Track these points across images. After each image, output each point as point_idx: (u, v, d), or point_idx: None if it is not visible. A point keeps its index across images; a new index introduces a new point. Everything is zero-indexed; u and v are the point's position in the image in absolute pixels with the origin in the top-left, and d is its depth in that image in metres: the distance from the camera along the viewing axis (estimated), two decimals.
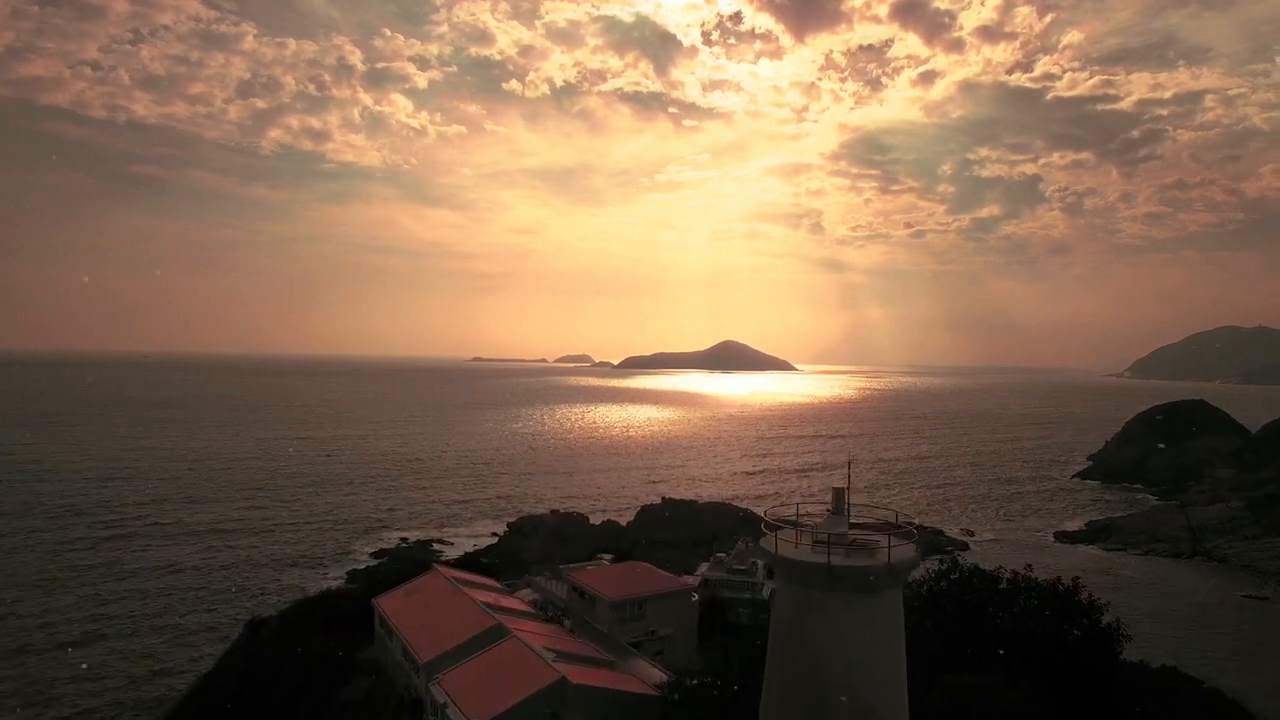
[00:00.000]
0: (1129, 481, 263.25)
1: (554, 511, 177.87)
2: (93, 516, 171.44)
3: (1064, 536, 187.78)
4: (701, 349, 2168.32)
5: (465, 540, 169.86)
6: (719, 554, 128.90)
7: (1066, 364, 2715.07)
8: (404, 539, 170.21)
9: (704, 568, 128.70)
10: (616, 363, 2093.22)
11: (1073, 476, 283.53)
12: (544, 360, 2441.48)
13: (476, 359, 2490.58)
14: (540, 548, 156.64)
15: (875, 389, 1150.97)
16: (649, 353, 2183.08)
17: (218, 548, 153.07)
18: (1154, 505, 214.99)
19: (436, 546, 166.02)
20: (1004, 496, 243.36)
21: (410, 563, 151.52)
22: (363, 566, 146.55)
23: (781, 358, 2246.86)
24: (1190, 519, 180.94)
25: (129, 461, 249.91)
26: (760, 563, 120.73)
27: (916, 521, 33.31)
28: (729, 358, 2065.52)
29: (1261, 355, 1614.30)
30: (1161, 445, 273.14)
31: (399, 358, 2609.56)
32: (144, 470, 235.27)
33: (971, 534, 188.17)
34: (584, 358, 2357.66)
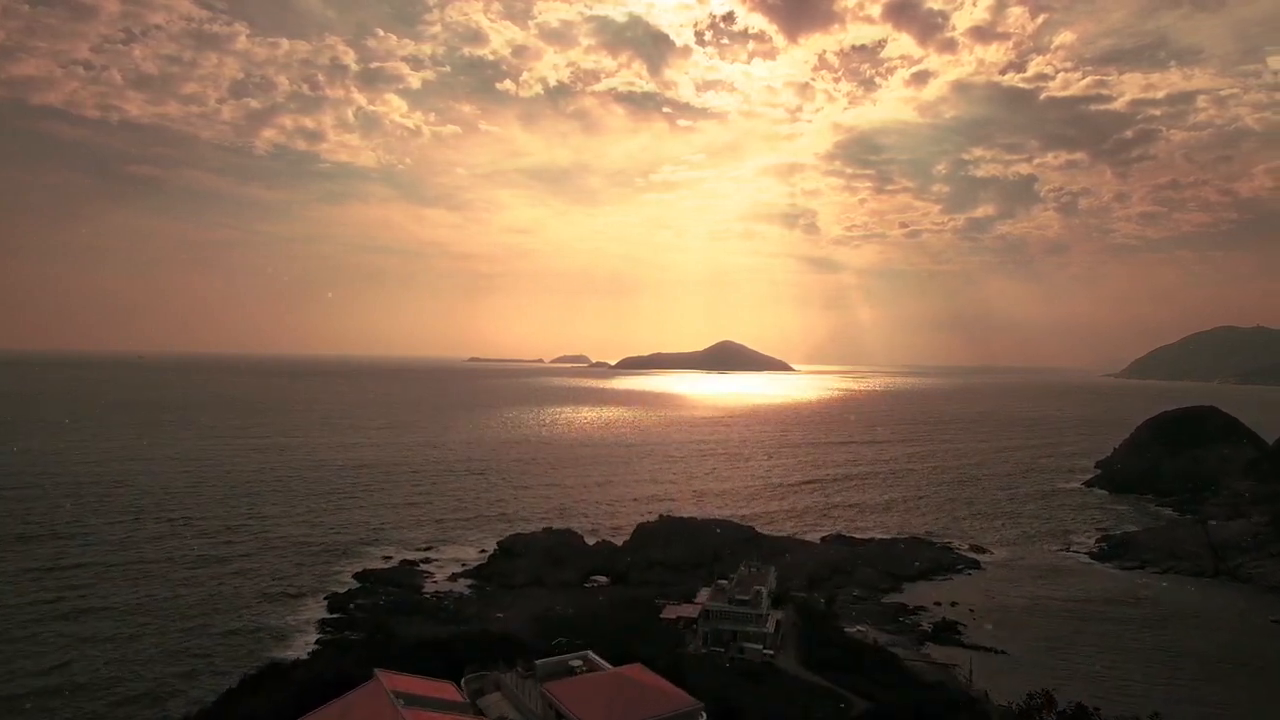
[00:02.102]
0: (1139, 491, 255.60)
1: (547, 529, 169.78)
2: (64, 541, 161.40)
3: (1079, 553, 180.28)
4: (699, 349, 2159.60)
5: (453, 561, 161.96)
6: (720, 580, 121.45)
7: (1063, 364, 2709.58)
8: (388, 558, 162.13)
9: (705, 594, 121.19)
10: (614, 363, 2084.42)
11: (1081, 485, 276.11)
12: (541, 360, 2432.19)
13: (474, 359, 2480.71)
14: (531, 569, 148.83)
15: (873, 390, 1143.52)
16: (646, 353, 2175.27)
17: (195, 577, 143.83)
18: (1171, 519, 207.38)
19: (423, 567, 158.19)
20: (1011, 507, 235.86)
21: (391, 584, 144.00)
22: (344, 591, 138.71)
23: (779, 358, 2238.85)
24: (1211, 535, 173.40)
25: (110, 472, 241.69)
26: (764, 591, 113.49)
27: None
28: (726, 358, 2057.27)
29: (1259, 355, 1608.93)
30: (1172, 453, 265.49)
31: (397, 358, 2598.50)
32: (124, 482, 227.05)
33: (982, 550, 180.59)
34: (581, 358, 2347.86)
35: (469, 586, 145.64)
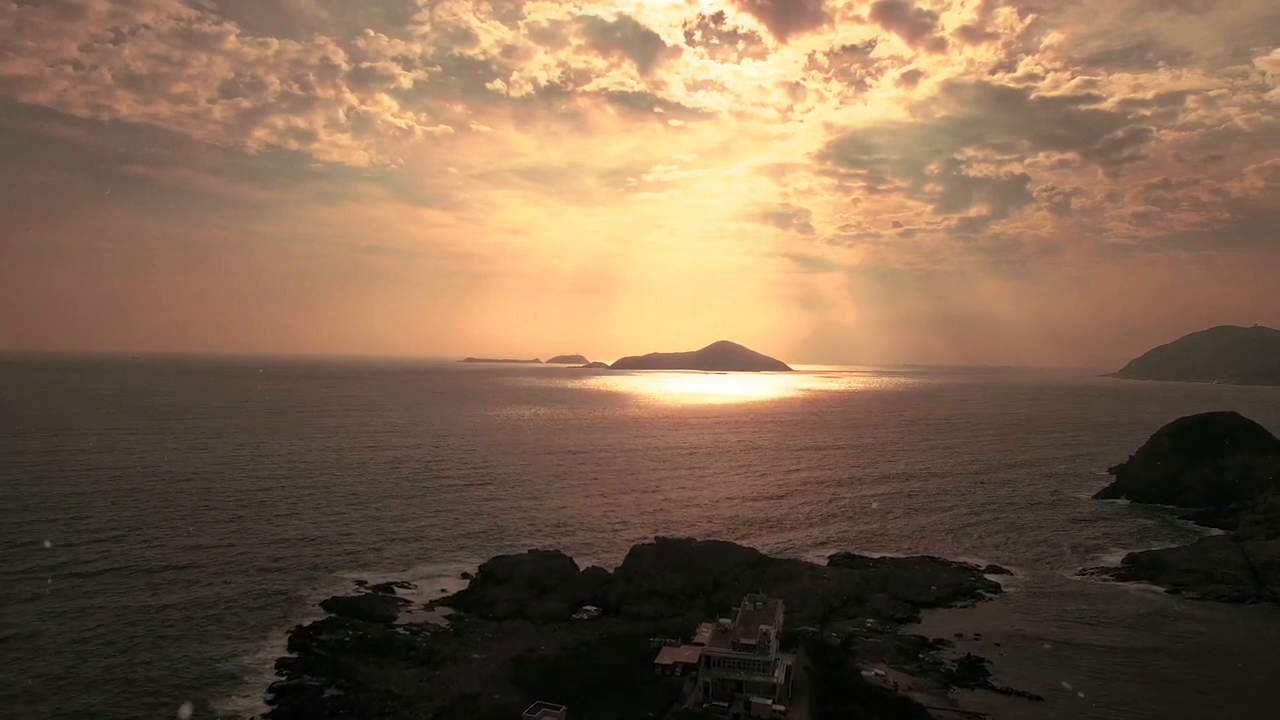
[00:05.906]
0: (1161, 502, 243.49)
1: (533, 551, 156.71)
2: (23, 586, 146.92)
3: (1105, 573, 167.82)
4: (695, 349, 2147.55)
5: (431, 585, 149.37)
6: (722, 619, 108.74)
7: (1059, 364, 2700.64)
8: (362, 582, 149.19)
9: (705, 631, 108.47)
10: (610, 363, 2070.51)
11: (1097, 495, 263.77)
12: (537, 360, 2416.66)
13: (469, 359, 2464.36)
14: (515, 598, 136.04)
15: (872, 391, 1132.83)
16: (642, 353, 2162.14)
17: (147, 606, 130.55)
18: (1203, 537, 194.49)
19: (399, 591, 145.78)
20: (1027, 520, 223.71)
21: (362, 615, 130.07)
22: (309, 624, 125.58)
23: (775, 358, 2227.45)
24: (1249, 555, 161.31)
25: (86, 484, 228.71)
26: (772, 632, 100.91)
27: None
28: (723, 358, 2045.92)
29: (1258, 355, 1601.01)
30: (1194, 462, 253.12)
31: (392, 358, 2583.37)
32: (97, 492, 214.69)
33: (1001, 571, 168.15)
34: (577, 358, 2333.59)
35: (446, 618, 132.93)
